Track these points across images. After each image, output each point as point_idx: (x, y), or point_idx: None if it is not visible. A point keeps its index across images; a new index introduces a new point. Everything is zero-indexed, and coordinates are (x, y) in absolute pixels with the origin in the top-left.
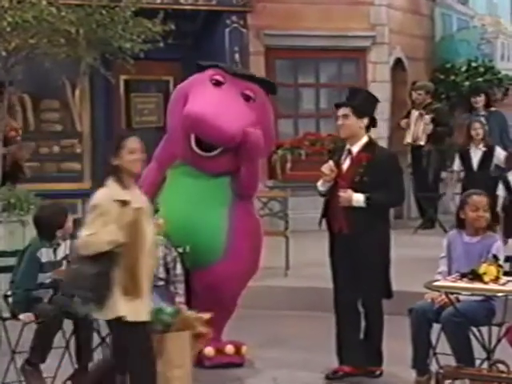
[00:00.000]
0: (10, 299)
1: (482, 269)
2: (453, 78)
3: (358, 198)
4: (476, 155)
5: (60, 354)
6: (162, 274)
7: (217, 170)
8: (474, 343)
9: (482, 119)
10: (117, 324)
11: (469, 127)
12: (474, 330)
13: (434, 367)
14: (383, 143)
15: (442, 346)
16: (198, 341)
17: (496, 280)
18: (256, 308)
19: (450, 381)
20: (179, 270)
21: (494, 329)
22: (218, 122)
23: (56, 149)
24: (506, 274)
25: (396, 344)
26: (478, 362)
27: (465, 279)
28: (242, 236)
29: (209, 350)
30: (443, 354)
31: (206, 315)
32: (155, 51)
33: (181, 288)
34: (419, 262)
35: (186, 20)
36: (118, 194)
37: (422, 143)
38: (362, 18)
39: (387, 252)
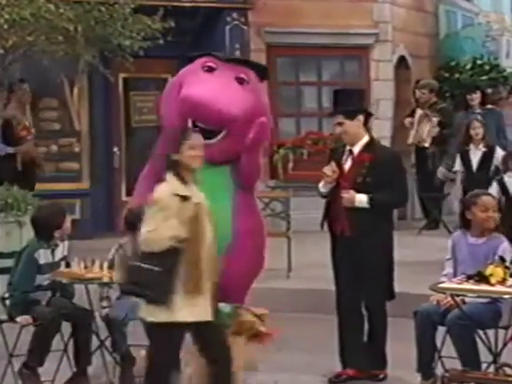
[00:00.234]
0: (8, 301)
1: (489, 270)
2: (457, 76)
3: (361, 199)
4: (476, 156)
5: (58, 358)
6: None
7: (217, 158)
8: (480, 346)
9: (478, 117)
10: (173, 326)
11: (468, 127)
12: (480, 332)
13: (439, 371)
14: (386, 143)
15: (448, 349)
16: (257, 340)
17: (503, 282)
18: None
19: None
20: None
21: (501, 331)
22: (217, 104)
23: (54, 148)
24: None
25: (400, 347)
26: (484, 365)
27: (471, 281)
28: (247, 231)
29: None
30: (449, 358)
31: (262, 310)
32: (155, 49)
33: None
34: (424, 264)
35: (186, 17)
36: (177, 189)
37: (427, 145)
38: (364, 15)
39: (390, 253)
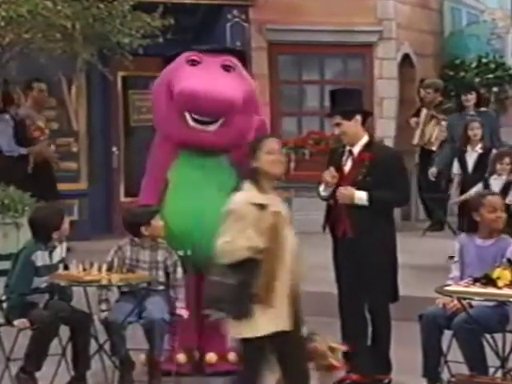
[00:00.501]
0: (4, 304)
1: (496, 273)
2: (462, 74)
3: (361, 196)
4: (471, 157)
5: (56, 362)
6: (161, 279)
7: (217, 144)
8: (488, 350)
9: (473, 118)
10: (257, 341)
11: (466, 127)
12: (488, 336)
13: (445, 376)
14: (390, 142)
15: (454, 353)
16: (327, 372)
17: (510, 285)
18: None
19: None
20: (180, 274)
21: (509, 335)
22: (213, 93)
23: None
24: None
25: (405, 351)
26: (491, 370)
27: (478, 284)
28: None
29: (210, 357)
30: (455, 362)
31: (343, 347)
32: (154, 47)
33: (181, 293)
34: (429, 266)
35: (186, 14)
36: (255, 198)
37: (434, 148)
38: (368, 12)
39: (393, 253)
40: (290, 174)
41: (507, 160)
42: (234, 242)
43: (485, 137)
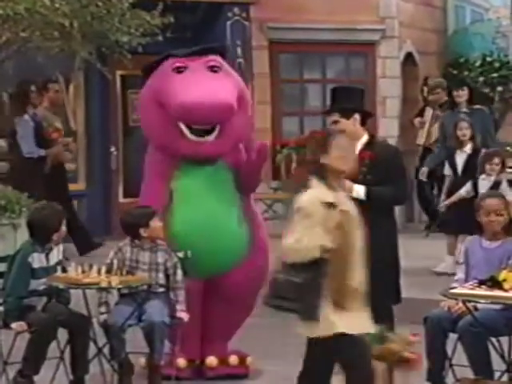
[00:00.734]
0: (1, 307)
1: (502, 275)
2: (466, 73)
3: (358, 190)
4: (461, 158)
5: (54, 365)
6: (161, 281)
7: (217, 152)
8: (493, 354)
9: (464, 116)
10: (333, 340)
11: (455, 127)
12: (493, 340)
13: (450, 380)
14: (393, 142)
15: (459, 357)
16: (404, 366)
17: None
18: (261, 316)
19: None
20: (180, 276)
21: None
22: (213, 99)
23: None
24: None
25: None
26: (497, 374)
27: (483, 286)
28: (259, 226)
29: (211, 360)
30: (460, 366)
31: (412, 337)
32: (153, 45)
33: (181, 295)
34: (433, 268)
35: (186, 12)
36: (323, 195)
37: None
38: (370, 11)
39: (394, 253)
40: (292, 174)
41: (496, 160)
42: (301, 240)
43: (477, 135)
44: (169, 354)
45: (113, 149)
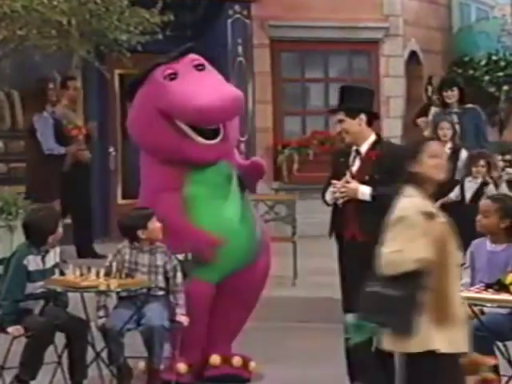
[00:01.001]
0: None
1: (509, 279)
2: (471, 72)
3: (364, 191)
4: None
5: (52, 370)
6: (161, 283)
7: (222, 154)
8: (500, 359)
9: (455, 116)
10: (427, 357)
11: (436, 127)
12: (500, 344)
13: None
14: (397, 142)
15: None
16: None
17: None
18: (262, 320)
19: None
20: (179, 279)
21: None
22: (225, 96)
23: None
24: None
25: None
26: (504, 379)
27: (490, 290)
28: (262, 226)
29: (214, 359)
30: None
31: (492, 361)
32: (153, 43)
33: (181, 298)
34: None
35: (186, 10)
36: (423, 205)
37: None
38: (374, 8)
39: None
40: (294, 175)
41: (482, 162)
42: (403, 252)
43: (469, 135)
44: (169, 358)
45: (111, 149)
